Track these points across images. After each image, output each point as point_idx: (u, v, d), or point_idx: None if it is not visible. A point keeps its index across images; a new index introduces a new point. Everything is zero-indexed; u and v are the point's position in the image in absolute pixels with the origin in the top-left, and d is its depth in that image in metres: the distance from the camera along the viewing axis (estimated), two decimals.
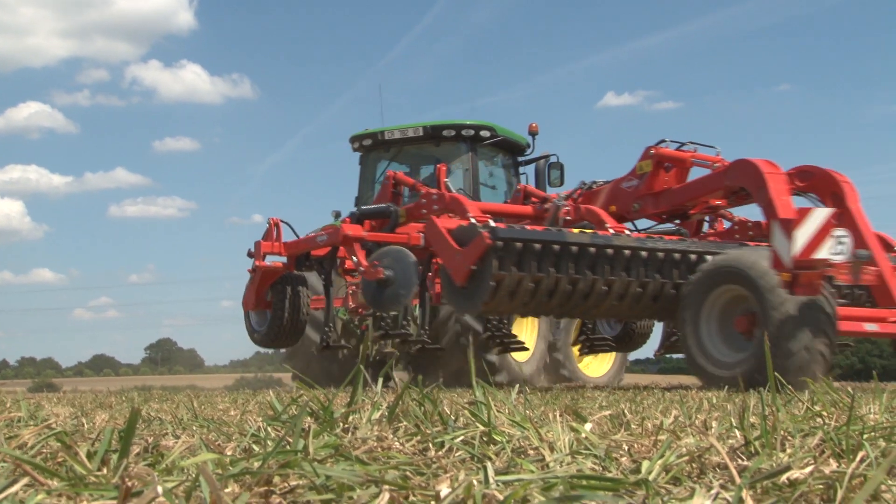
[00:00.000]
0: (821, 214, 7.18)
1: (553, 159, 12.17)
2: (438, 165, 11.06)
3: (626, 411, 3.25)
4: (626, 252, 8.05)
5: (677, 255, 8.27)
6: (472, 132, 12.43)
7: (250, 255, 10.02)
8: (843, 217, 7.79)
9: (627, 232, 8.58)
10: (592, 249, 7.93)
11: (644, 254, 8.11)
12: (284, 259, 10.02)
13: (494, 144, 12.66)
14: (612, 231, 8.45)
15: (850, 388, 4.67)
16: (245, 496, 1.32)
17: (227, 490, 1.42)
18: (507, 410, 2.50)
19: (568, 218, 9.37)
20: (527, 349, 10.71)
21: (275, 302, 9.80)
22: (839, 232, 7.33)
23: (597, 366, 14.44)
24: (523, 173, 13.23)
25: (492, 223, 7.86)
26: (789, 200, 7.94)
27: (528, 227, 8.45)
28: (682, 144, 9.57)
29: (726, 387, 6.33)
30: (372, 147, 12.90)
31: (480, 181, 12.37)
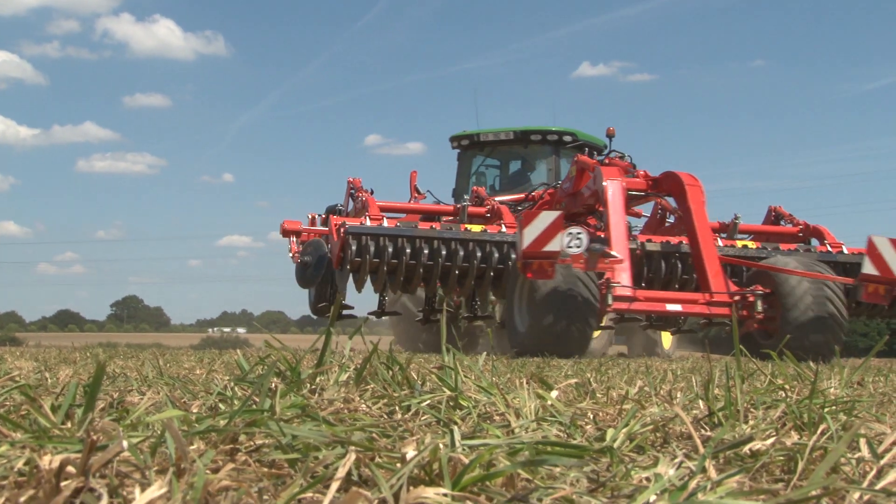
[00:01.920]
0: (548, 216, 8.70)
1: (627, 159, 13.61)
2: (411, 171, 13.70)
3: (591, 380, 3.28)
4: (459, 242, 10.29)
5: (493, 246, 10.47)
6: (556, 137, 14.97)
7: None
8: (684, 214, 9.98)
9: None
10: (437, 241, 10.19)
11: (471, 244, 10.30)
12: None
13: (576, 147, 14.67)
14: (503, 227, 10.62)
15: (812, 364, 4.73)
16: (210, 453, 1.32)
17: (192, 447, 1.42)
18: (473, 377, 2.51)
19: (489, 216, 11.47)
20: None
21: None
22: (574, 230, 9.08)
23: None
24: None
25: (367, 222, 10.22)
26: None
27: (390, 224, 10.44)
28: (609, 153, 11.53)
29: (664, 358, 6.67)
30: (469, 146, 15.49)
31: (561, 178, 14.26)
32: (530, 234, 8.58)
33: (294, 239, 12.50)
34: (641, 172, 10.58)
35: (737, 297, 9.46)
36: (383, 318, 12.34)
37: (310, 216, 13.27)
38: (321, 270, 10.75)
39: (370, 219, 10.41)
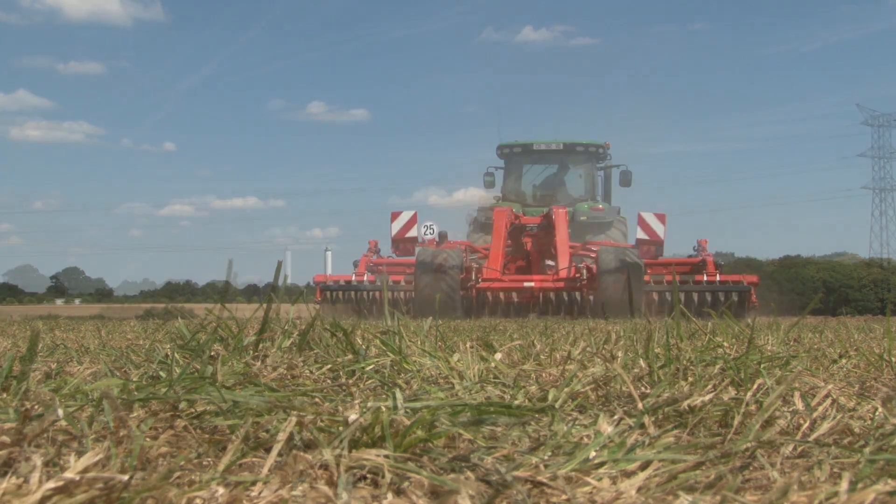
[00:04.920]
0: (408, 214, 14.39)
1: (623, 167, 18.74)
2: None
3: (536, 342, 3.31)
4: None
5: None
6: (594, 149, 18.67)
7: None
8: (555, 231, 14.86)
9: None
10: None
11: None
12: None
13: (602, 157, 18.93)
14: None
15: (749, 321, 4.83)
16: (150, 420, 1.30)
17: (132, 415, 1.40)
18: (419, 341, 2.52)
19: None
20: None
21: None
22: (428, 223, 14.65)
23: None
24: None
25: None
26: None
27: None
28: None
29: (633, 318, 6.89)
30: (519, 154, 18.98)
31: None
32: (395, 225, 14.48)
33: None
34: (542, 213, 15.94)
35: (573, 275, 14.06)
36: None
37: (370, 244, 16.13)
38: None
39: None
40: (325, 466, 1.14)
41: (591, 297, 13.65)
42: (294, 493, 1.03)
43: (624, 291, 12.58)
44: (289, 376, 1.95)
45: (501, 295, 14.36)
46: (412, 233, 14.27)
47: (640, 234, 14.81)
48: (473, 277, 13.89)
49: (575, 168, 19.11)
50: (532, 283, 14.16)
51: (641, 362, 2.30)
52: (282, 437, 1.15)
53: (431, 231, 13.98)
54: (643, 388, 1.93)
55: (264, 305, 2.40)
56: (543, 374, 2.22)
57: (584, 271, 13.85)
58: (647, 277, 14.17)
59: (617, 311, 12.12)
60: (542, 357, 2.68)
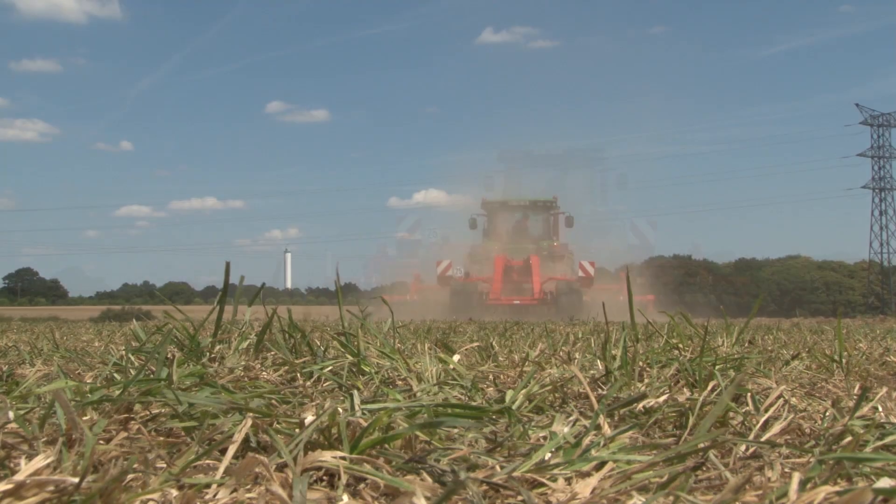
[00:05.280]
0: (447, 261, 26.18)
1: (567, 214, 29.12)
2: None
3: (494, 344, 3.32)
4: None
5: None
6: (551, 203, 29.12)
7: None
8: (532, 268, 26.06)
9: None
10: None
11: None
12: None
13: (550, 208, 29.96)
14: None
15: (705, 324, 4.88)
16: (103, 423, 1.29)
17: (85, 417, 1.38)
18: (378, 343, 2.52)
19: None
20: None
21: None
22: (446, 261, 27.10)
23: None
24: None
25: None
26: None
27: None
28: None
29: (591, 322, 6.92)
30: (498, 208, 29.33)
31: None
32: (440, 269, 24.87)
33: None
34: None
35: (542, 297, 24.25)
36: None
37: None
38: None
39: None
40: (281, 468, 1.13)
41: (555, 308, 22.03)
42: (249, 495, 1.03)
43: (572, 307, 21.31)
44: (245, 378, 1.94)
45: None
46: (450, 272, 25.01)
47: (580, 273, 25.70)
48: (483, 297, 23.93)
49: (535, 215, 29.16)
50: (518, 301, 24.06)
51: (599, 364, 2.32)
52: (237, 438, 1.15)
53: (460, 270, 25.61)
54: (600, 390, 1.94)
55: (220, 307, 2.38)
56: (501, 376, 2.23)
57: (549, 294, 24.50)
58: (586, 297, 23.45)
59: (568, 315, 17.67)
60: (500, 359, 2.69)
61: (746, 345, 3.98)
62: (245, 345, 2.36)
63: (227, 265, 2.23)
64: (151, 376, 1.72)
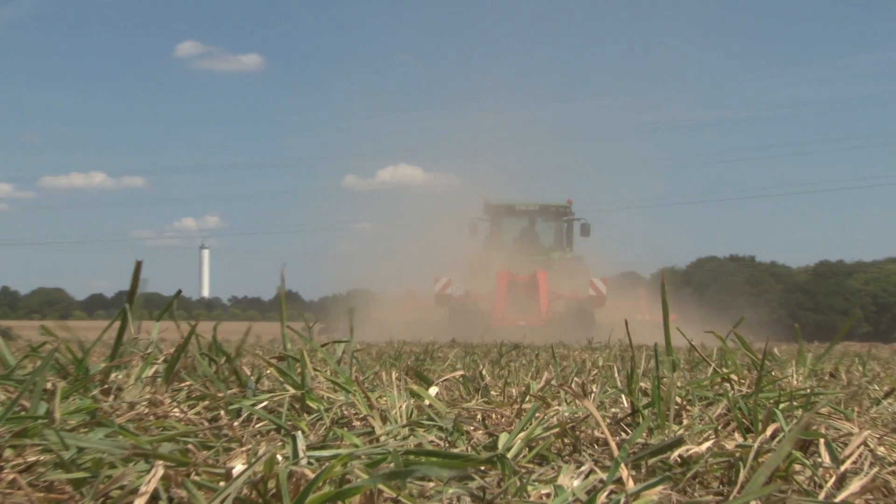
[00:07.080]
0: (446, 278, 30.15)
1: (583, 220, 32.69)
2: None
3: (484, 373, 3.37)
4: None
5: None
6: (563, 208, 32.74)
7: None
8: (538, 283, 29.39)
9: None
10: None
11: None
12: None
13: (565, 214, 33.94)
14: None
15: (776, 349, 4.93)
16: None
17: None
18: (329, 370, 2.56)
19: None
20: None
21: None
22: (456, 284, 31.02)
23: None
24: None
25: None
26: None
27: None
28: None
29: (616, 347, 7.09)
30: (504, 213, 32.53)
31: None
32: (437, 286, 28.98)
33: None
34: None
35: (551, 315, 27.64)
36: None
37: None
38: None
39: None
40: None
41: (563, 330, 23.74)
42: None
43: (582, 328, 23.48)
44: (152, 416, 1.98)
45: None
46: (449, 290, 28.25)
47: (591, 292, 27.98)
48: (486, 318, 25.97)
49: (546, 221, 32.71)
50: (524, 322, 26.17)
51: (623, 399, 2.37)
52: (144, 490, 1.19)
53: (460, 288, 28.39)
54: (623, 434, 2.00)
55: (118, 322, 2.42)
56: (493, 415, 2.28)
57: (558, 315, 27.25)
58: (598, 317, 26.16)
59: (576, 339, 18.69)
60: (492, 393, 2.74)
61: (827, 377, 4.03)
62: (151, 372, 2.40)
63: (138, 265, 2.26)
64: (25, 413, 1.76)
